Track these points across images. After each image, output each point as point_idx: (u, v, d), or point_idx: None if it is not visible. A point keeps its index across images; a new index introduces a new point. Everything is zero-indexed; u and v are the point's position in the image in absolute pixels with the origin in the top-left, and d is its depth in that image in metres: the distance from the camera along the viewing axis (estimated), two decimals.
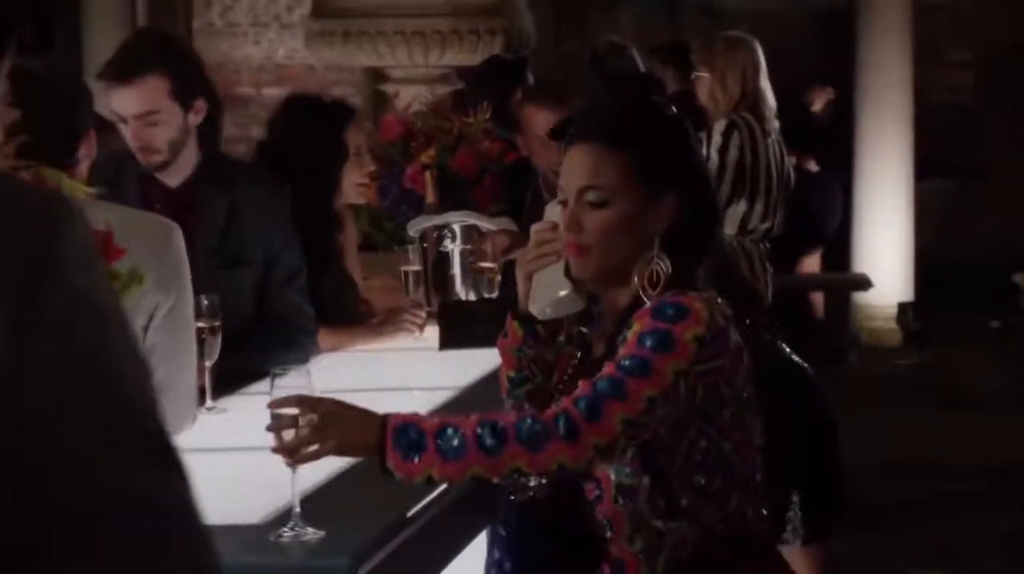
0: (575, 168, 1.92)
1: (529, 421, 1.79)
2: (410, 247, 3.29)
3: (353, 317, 3.26)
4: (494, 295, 3.24)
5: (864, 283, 7.46)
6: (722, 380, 1.86)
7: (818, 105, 8.14)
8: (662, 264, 1.88)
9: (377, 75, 4.81)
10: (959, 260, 8.28)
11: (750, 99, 4.41)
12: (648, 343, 1.82)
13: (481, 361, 2.86)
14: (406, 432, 1.78)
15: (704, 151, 4.39)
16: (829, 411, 3.00)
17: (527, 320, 2.01)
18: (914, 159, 7.85)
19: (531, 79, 4.29)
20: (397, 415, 1.81)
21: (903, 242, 7.72)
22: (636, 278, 1.88)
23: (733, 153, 4.38)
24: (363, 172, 3.22)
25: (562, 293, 1.95)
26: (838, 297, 7.64)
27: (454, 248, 3.26)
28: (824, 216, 7.54)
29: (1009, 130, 9.52)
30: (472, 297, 3.26)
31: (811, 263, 7.67)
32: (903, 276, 7.67)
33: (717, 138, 4.38)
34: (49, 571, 0.75)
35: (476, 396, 2.70)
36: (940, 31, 9.29)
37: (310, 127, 3.15)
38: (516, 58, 4.35)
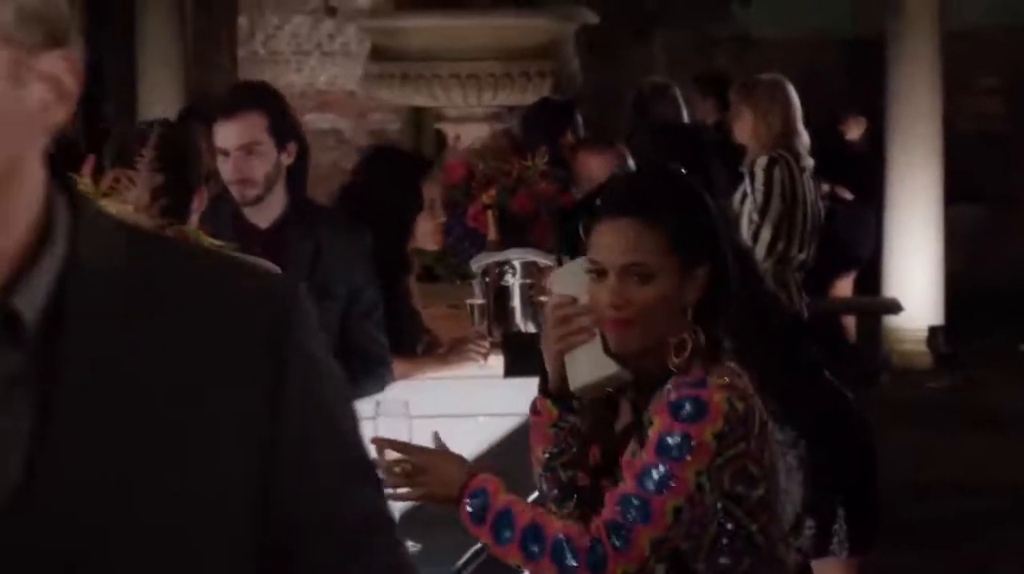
0: (617, 244, 1.92)
1: (565, 542, 1.86)
2: (475, 282, 3.55)
3: (416, 346, 3.52)
4: None
5: (895, 307, 7.64)
6: (750, 461, 1.89)
7: (853, 134, 8.33)
8: (697, 337, 1.91)
9: (431, 113, 5.07)
10: (988, 285, 8.44)
11: (789, 137, 4.68)
12: (667, 451, 1.85)
13: None
14: (479, 498, 1.92)
15: (747, 185, 4.67)
16: (870, 433, 3.24)
17: (560, 397, 2.00)
18: (943, 186, 8.02)
19: (579, 119, 4.54)
20: (477, 478, 1.95)
21: (933, 267, 7.88)
22: (671, 349, 1.91)
23: (777, 187, 4.65)
24: (436, 223, 3.50)
25: (609, 372, 1.93)
26: (870, 321, 7.83)
27: (514, 282, 3.53)
28: (856, 243, 7.74)
29: None
30: (532, 328, 3.52)
31: (843, 287, 7.87)
32: (933, 300, 7.83)
33: (760, 173, 4.65)
34: (316, 556, 1.01)
35: None
36: (968, 58, 9.47)
37: (391, 178, 3.43)
38: (565, 100, 4.62)
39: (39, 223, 0.99)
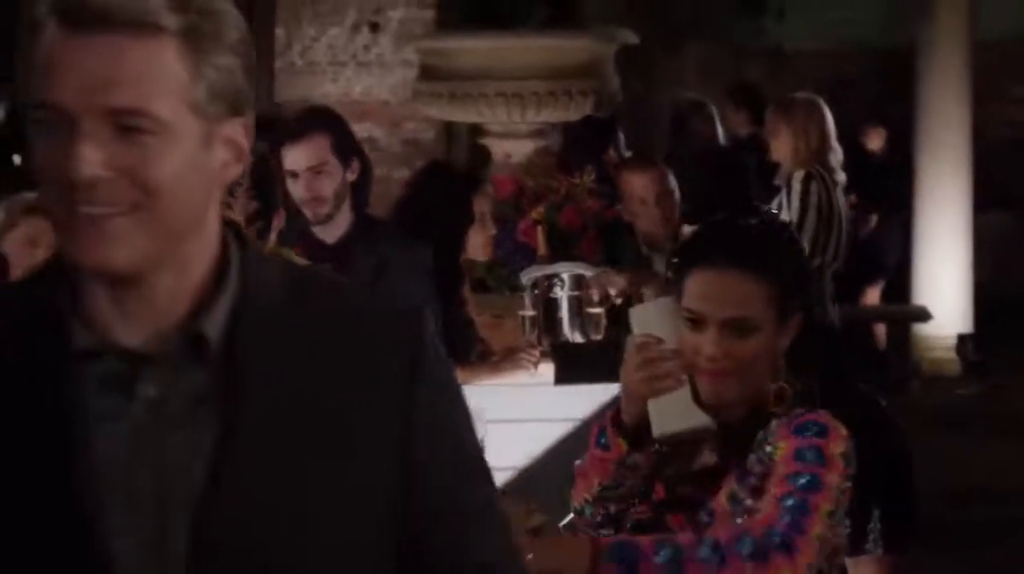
0: (722, 296, 1.90)
1: (747, 537, 1.77)
2: (526, 294, 3.74)
3: (471, 354, 3.71)
4: (600, 336, 3.69)
5: (924, 315, 7.76)
6: (843, 505, 1.87)
7: (874, 144, 8.48)
8: (793, 384, 1.92)
9: (475, 129, 5.27)
10: (1017, 293, 8.54)
11: (824, 154, 4.88)
12: (809, 458, 1.83)
13: (593, 395, 3.29)
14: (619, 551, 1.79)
15: (785, 199, 4.87)
16: (903, 438, 3.40)
17: (634, 434, 1.94)
18: (972, 194, 8.14)
19: (621, 136, 4.73)
20: (603, 539, 1.86)
21: (962, 275, 7.98)
22: (767, 396, 1.90)
23: (813, 200, 4.84)
24: (486, 235, 3.70)
25: (698, 424, 1.89)
26: (899, 329, 7.95)
27: (563, 295, 3.72)
28: (883, 252, 7.88)
29: None
30: (579, 338, 3.70)
31: (872, 296, 8.01)
32: (962, 308, 7.93)
33: (797, 186, 4.86)
34: (442, 539, 1.21)
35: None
36: (998, 68, 9.58)
37: (444, 193, 3.63)
38: (607, 118, 4.81)
39: (218, 262, 1.18)
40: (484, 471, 1.27)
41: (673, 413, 1.90)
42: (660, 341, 1.92)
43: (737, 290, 1.90)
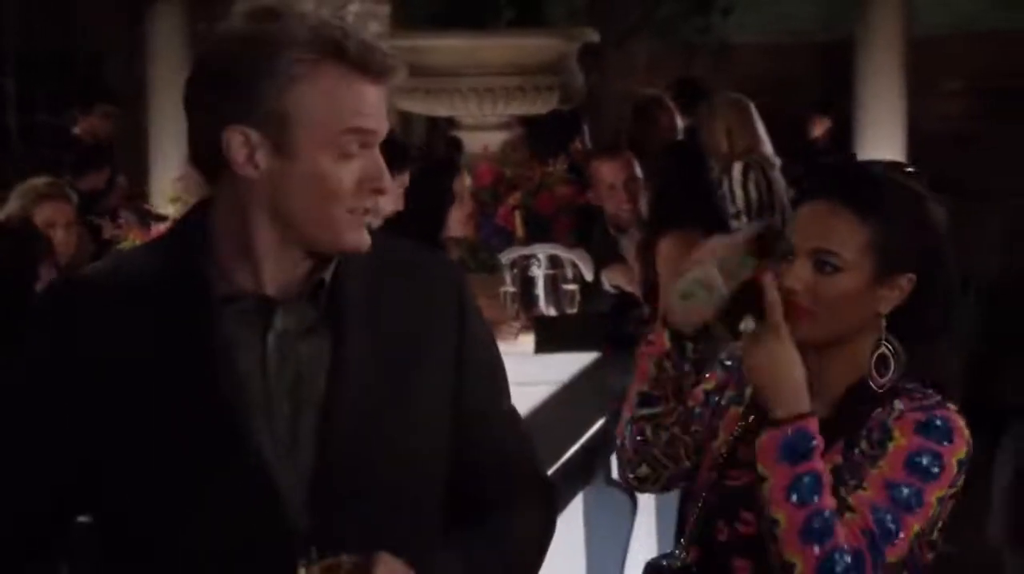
0: (812, 226, 1.78)
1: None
2: (507, 273, 4.13)
3: None
4: (574, 310, 4.10)
5: None
6: (949, 512, 1.77)
7: (817, 132, 8.92)
8: (891, 348, 1.77)
9: (448, 122, 5.64)
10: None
11: (757, 147, 5.34)
12: (917, 470, 1.72)
13: (569, 361, 3.67)
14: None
15: (727, 188, 5.29)
16: None
17: (678, 335, 1.86)
18: None
19: (586, 128, 5.12)
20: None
21: None
22: (868, 360, 1.77)
23: (752, 188, 5.27)
24: (464, 212, 4.06)
25: (715, 296, 1.79)
26: None
27: (539, 273, 4.12)
28: None
29: (1000, 156, 10.27)
30: (554, 311, 4.10)
31: None
32: None
33: (738, 176, 5.32)
34: (483, 436, 1.60)
35: (572, 395, 3.50)
36: (932, 63, 10.04)
37: (426, 178, 3.99)
38: (572, 111, 5.21)
39: None
40: (507, 383, 1.67)
41: (694, 294, 1.82)
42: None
43: (827, 222, 1.77)
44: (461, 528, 1.59)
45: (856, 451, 1.77)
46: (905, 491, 1.72)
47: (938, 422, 1.75)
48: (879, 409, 1.78)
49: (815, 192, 1.81)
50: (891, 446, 1.74)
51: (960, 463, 1.75)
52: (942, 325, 1.82)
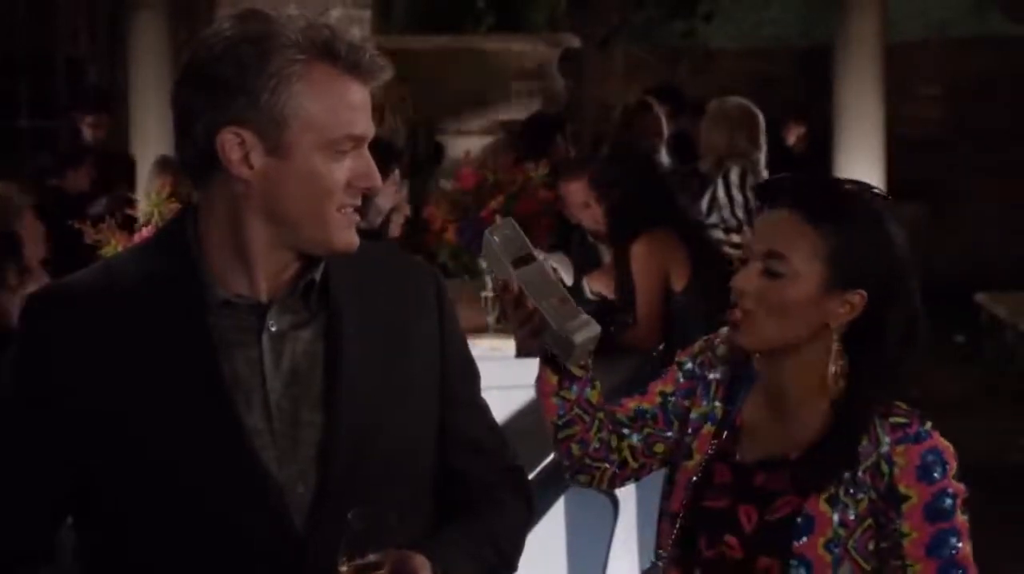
0: (766, 229, 1.78)
1: None
2: (488, 276, 4.12)
3: None
4: None
5: None
6: None
7: (792, 138, 8.98)
8: (848, 367, 1.76)
9: (429, 127, 5.67)
10: (926, 279, 9.06)
11: (754, 152, 5.40)
12: (941, 511, 1.74)
13: None
14: None
15: (722, 189, 5.36)
16: None
17: (553, 362, 1.85)
18: (886, 186, 8.65)
19: (568, 130, 5.15)
20: None
21: None
22: (829, 379, 1.76)
23: (748, 192, 5.36)
24: (401, 202, 4.10)
25: (590, 330, 1.78)
26: None
27: None
28: None
29: (973, 159, 10.37)
30: None
31: None
32: None
33: (735, 179, 5.41)
34: (459, 418, 1.66)
35: None
36: (909, 68, 10.13)
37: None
38: (554, 114, 5.24)
39: None
40: (476, 368, 1.72)
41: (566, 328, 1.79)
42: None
43: (781, 228, 1.76)
44: (450, 516, 1.63)
45: (852, 489, 1.76)
46: (944, 541, 1.74)
47: (930, 458, 1.75)
48: (864, 442, 1.77)
49: (777, 199, 1.79)
50: (905, 508, 1.74)
51: (960, 477, 1.76)
52: (903, 343, 1.78)
